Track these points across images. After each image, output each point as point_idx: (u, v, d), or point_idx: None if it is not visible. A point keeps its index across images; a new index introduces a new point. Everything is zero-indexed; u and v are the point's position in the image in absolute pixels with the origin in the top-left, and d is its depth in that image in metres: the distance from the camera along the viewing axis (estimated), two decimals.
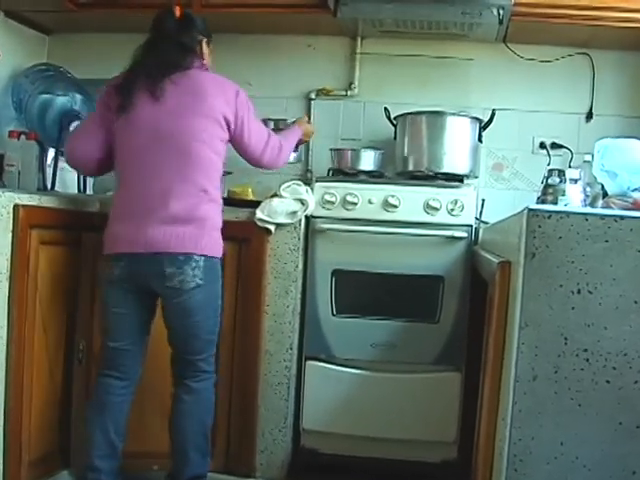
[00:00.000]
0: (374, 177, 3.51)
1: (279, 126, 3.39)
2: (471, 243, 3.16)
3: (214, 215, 2.70)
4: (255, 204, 3.10)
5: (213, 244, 2.67)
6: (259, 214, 3.03)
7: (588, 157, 3.01)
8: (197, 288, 2.61)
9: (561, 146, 3.77)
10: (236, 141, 2.81)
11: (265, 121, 3.27)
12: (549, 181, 2.99)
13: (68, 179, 3.59)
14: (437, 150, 3.45)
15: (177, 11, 2.81)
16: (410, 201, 3.17)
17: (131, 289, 2.66)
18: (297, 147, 3.26)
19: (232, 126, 2.75)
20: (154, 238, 2.58)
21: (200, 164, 2.65)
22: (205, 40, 2.87)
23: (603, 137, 2.92)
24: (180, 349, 2.74)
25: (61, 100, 3.63)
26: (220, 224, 2.73)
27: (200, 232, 2.62)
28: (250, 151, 2.87)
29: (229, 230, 2.95)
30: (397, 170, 3.61)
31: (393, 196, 3.16)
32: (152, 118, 2.65)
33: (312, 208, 3.15)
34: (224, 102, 2.71)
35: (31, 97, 3.60)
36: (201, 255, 2.61)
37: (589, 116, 3.79)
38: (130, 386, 2.76)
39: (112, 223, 2.69)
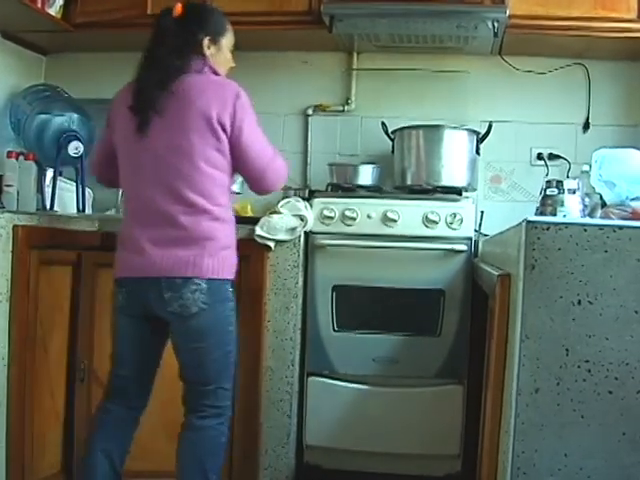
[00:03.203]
0: (372, 192, 3.52)
1: None
2: (471, 256, 3.16)
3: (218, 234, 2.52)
4: (254, 221, 3.09)
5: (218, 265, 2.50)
6: (258, 231, 3.03)
7: (586, 167, 3.01)
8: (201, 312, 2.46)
9: (559, 157, 3.78)
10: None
11: None
12: (547, 192, 2.99)
13: (67, 199, 3.59)
14: (435, 164, 3.46)
15: (177, 9, 2.54)
16: (409, 215, 3.17)
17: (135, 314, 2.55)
18: None
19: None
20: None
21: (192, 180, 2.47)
22: (208, 38, 2.58)
23: (600, 147, 2.93)
24: (187, 377, 2.57)
25: (58, 120, 3.63)
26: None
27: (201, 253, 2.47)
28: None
29: None
30: (395, 184, 3.62)
31: (392, 210, 3.16)
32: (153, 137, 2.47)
33: (311, 224, 3.14)
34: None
35: (29, 118, 3.61)
36: (203, 278, 2.45)
37: (586, 126, 3.80)
38: (133, 415, 2.62)
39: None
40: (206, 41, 2.57)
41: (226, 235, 2.54)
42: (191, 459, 2.54)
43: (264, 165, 2.57)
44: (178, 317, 2.46)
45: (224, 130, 2.46)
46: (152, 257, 2.44)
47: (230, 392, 2.59)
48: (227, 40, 2.68)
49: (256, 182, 2.62)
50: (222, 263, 2.50)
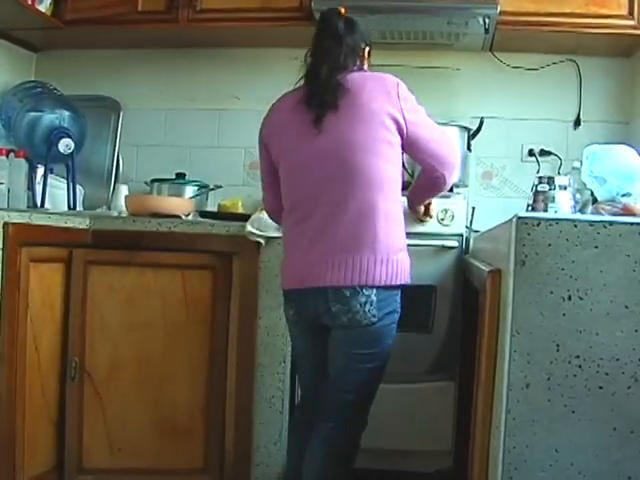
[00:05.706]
0: None
1: None
2: (462, 252, 3.16)
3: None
4: (245, 217, 3.09)
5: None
6: (249, 228, 3.02)
7: (577, 164, 3.01)
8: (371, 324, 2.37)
9: (550, 153, 3.79)
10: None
11: None
12: (538, 188, 2.98)
13: (58, 196, 3.58)
14: None
15: (344, 9, 2.54)
16: None
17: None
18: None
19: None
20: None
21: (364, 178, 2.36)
22: (367, 49, 2.62)
23: (591, 143, 2.93)
24: (333, 381, 2.49)
25: (49, 117, 3.63)
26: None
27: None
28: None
29: (220, 244, 2.96)
30: None
31: None
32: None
33: None
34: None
35: (19, 115, 3.60)
36: (373, 287, 2.33)
37: (577, 123, 3.81)
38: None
39: None
40: (366, 50, 2.62)
41: (399, 236, 2.41)
42: (319, 469, 2.49)
43: (442, 145, 2.52)
44: (345, 327, 2.38)
45: (396, 122, 2.39)
46: (317, 264, 2.34)
47: (368, 407, 2.54)
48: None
49: (440, 165, 2.53)
50: (396, 268, 2.36)
